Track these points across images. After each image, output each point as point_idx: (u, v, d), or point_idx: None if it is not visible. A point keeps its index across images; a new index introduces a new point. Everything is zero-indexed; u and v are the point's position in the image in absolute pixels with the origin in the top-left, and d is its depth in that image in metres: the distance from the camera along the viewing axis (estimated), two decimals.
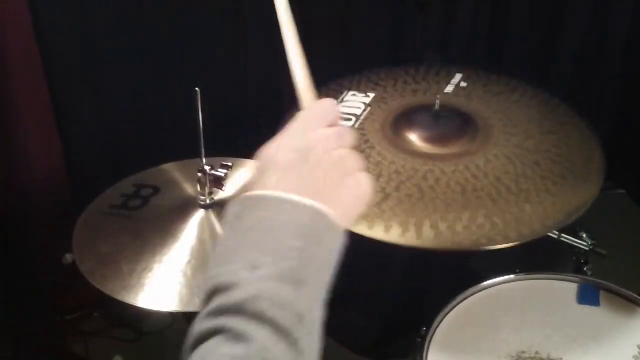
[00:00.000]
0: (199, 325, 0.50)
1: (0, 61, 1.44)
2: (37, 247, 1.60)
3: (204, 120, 1.16)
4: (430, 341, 1.13)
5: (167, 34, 1.72)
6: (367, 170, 0.61)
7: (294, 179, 0.56)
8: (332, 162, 0.58)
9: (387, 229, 1.09)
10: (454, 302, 1.21)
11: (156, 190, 1.29)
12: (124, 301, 1.05)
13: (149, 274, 1.09)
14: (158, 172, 1.35)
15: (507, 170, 1.21)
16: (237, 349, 0.47)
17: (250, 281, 0.50)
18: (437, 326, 1.16)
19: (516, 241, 1.08)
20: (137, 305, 1.05)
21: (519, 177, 1.19)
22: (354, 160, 0.60)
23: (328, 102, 0.63)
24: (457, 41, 2.05)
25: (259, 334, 0.48)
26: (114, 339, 1.81)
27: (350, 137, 0.61)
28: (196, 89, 1.10)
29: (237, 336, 0.47)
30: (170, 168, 1.36)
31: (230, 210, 0.56)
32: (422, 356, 1.11)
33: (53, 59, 1.57)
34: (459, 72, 1.51)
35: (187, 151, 1.30)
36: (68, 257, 1.16)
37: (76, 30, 1.62)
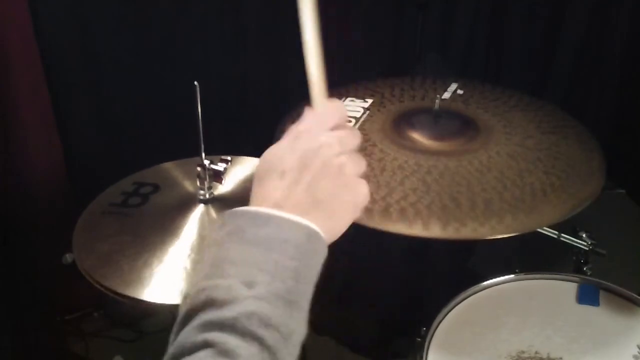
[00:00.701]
0: (189, 336, 0.51)
1: (0, 61, 1.44)
2: (37, 247, 1.60)
3: (203, 120, 1.16)
4: (430, 341, 1.13)
5: (167, 34, 1.72)
6: (368, 170, 0.63)
7: (296, 191, 0.58)
8: (333, 171, 0.59)
9: (395, 221, 1.09)
10: (454, 302, 1.21)
11: (156, 188, 1.30)
12: (126, 295, 1.05)
13: (150, 270, 1.09)
14: (158, 170, 1.36)
15: (511, 166, 1.21)
16: None
17: (245, 298, 0.52)
18: (437, 326, 1.16)
19: (523, 231, 1.08)
20: (139, 298, 1.05)
21: (523, 172, 1.19)
22: (354, 167, 0.61)
23: (336, 104, 0.65)
24: (457, 42, 2.05)
25: (247, 351, 0.50)
26: (114, 339, 1.81)
27: (354, 141, 0.63)
28: (195, 83, 1.10)
29: (226, 352, 0.49)
30: (170, 166, 1.37)
31: (230, 221, 0.57)
32: (422, 356, 1.11)
33: (53, 59, 1.57)
34: (455, 82, 1.52)
35: (186, 151, 1.30)
36: (68, 257, 1.16)
37: (76, 31, 1.62)
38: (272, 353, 0.51)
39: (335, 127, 0.62)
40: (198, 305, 0.53)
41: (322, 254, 0.58)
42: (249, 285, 0.53)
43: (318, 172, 0.59)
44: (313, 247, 0.57)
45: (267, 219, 0.56)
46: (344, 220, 0.61)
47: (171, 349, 0.52)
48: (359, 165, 0.62)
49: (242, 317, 0.51)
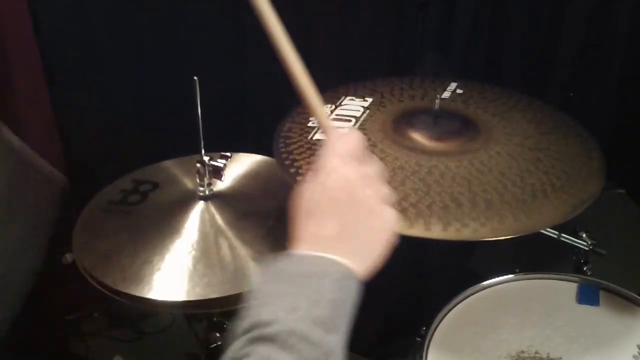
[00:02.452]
0: (236, 349, 0.56)
1: (0, 61, 1.44)
2: (37, 247, 1.60)
3: (203, 118, 1.16)
4: (430, 341, 1.13)
5: (167, 33, 1.72)
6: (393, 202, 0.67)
7: (326, 227, 0.64)
8: (359, 204, 0.65)
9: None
10: (454, 302, 1.21)
11: (155, 185, 1.30)
12: (126, 293, 1.05)
13: (150, 268, 1.09)
14: (157, 168, 1.36)
15: (511, 166, 1.21)
16: None
17: (287, 320, 0.56)
18: (437, 326, 1.16)
19: (525, 232, 1.07)
20: (140, 296, 1.04)
21: (523, 172, 1.19)
22: (379, 196, 0.66)
23: (354, 135, 0.68)
24: (457, 42, 2.05)
25: None
26: (114, 339, 1.81)
27: (376, 170, 0.68)
28: (194, 78, 1.10)
29: None
30: (170, 164, 1.37)
31: (272, 264, 0.62)
32: (422, 356, 1.11)
33: (53, 59, 1.57)
34: (455, 82, 1.52)
35: (186, 151, 1.30)
36: (68, 257, 1.16)
37: (76, 31, 1.62)
38: None
39: (355, 156, 0.67)
40: (244, 328, 0.57)
41: (356, 292, 0.62)
42: (291, 310, 0.57)
43: (344, 206, 0.64)
44: (348, 284, 0.62)
45: (305, 259, 0.62)
46: (376, 247, 0.65)
47: None
48: (384, 194, 0.67)
49: (282, 333, 0.55)
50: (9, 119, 1.50)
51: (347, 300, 0.61)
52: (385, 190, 0.67)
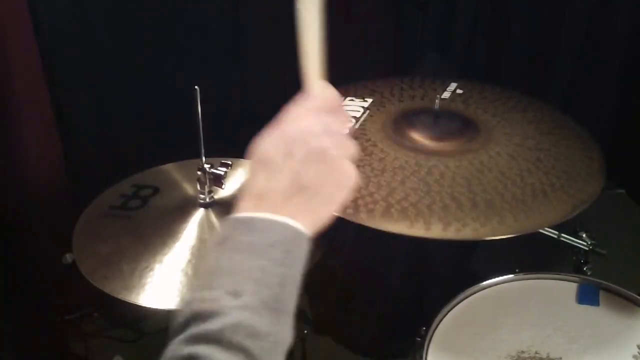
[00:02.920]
0: (175, 350, 0.51)
1: (0, 61, 1.44)
2: (37, 247, 1.60)
3: (203, 120, 1.16)
4: (430, 341, 1.13)
5: (167, 34, 1.72)
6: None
7: (279, 179, 0.58)
8: (317, 157, 0.59)
9: (396, 221, 1.09)
10: (454, 302, 1.21)
11: (156, 190, 1.30)
12: (125, 300, 1.05)
13: (150, 274, 1.09)
14: (158, 172, 1.36)
15: (511, 166, 1.21)
16: None
17: (231, 309, 0.51)
18: (437, 326, 1.16)
19: (524, 232, 1.07)
20: (139, 304, 1.04)
21: (523, 172, 1.19)
22: (339, 150, 0.61)
23: (327, 90, 0.65)
24: (457, 42, 2.05)
25: None
26: (114, 339, 1.81)
27: (342, 126, 0.63)
28: (196, 87, 1.10)
29: None
30: (170, 168, 1.37)
31: (221, 231, 0.58)
32: (422, 356, 1.11)
33: (53, 59, 1.57)
34: (455, 82, 1.52)
35: (186, 152, 1.30)
36: (68, 257, 1.16)
37: (76, 31, 1.62)
38: None
39: (325, 111, 0.63)
40: (185, 319, 0.52)
41: (306, 253, 0.57)
42: (235, 294, 0.52)
43: (301, 159, 0.59)
44: (299, 249, 0.57)
45: (252, 223, 0.57)
46: (331, 202, 0.60)
47: None
48: (346, 148, 0.61)
49: (227, 329, 0.50)
50: (9, 119, 1.50)
51: (297, 269, 0.56)
52: (349, 145, 0.62)
